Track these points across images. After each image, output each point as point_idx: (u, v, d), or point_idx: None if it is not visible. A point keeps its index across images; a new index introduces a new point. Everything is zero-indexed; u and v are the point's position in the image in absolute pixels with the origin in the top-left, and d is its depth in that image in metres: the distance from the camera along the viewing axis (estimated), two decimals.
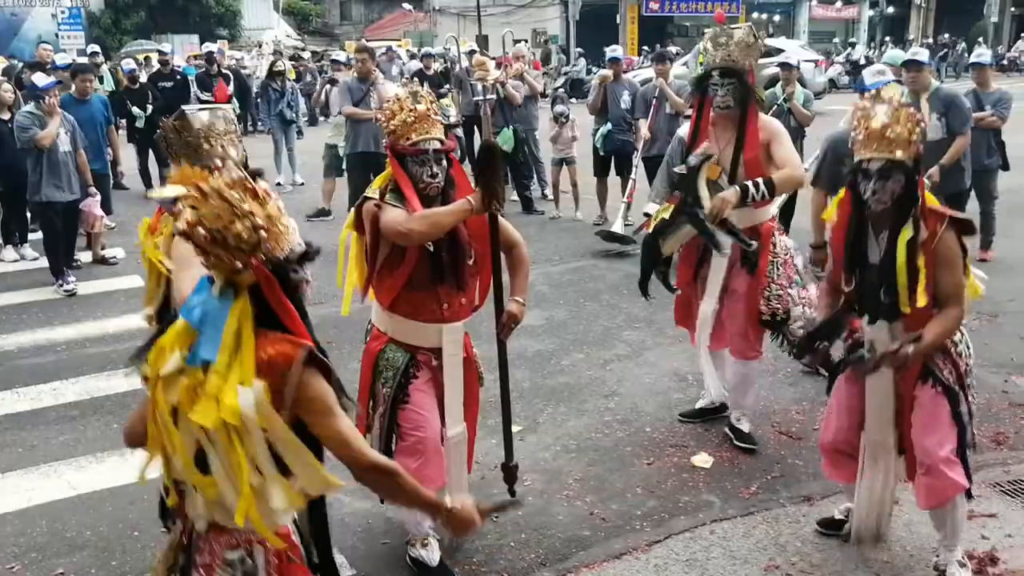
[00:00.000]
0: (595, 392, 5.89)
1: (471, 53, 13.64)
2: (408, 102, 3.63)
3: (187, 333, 2.31)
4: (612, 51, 10.92)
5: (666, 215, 4.76)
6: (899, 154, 3.33)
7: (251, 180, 2.29)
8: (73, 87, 9.62)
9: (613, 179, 10.70)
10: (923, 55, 7.45)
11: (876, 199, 3.39)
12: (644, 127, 9.80)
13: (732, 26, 4.89)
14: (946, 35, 37.72)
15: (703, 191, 4.55)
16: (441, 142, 3.67)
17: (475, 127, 12.44)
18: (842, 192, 3.67)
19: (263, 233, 2.26)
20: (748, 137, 4.65)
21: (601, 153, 10.70)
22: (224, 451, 2.27)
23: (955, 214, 3.51)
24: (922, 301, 3.40)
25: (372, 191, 3.74)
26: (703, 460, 4.88)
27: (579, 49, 31.44)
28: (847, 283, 3.59)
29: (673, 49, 18.62)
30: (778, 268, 4.83)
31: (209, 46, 16.34)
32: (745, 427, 5.02)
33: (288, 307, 2.33)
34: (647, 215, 5.22)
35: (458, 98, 13.56)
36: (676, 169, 4.61)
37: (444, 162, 3.68)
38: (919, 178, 3.43)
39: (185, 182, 2.34)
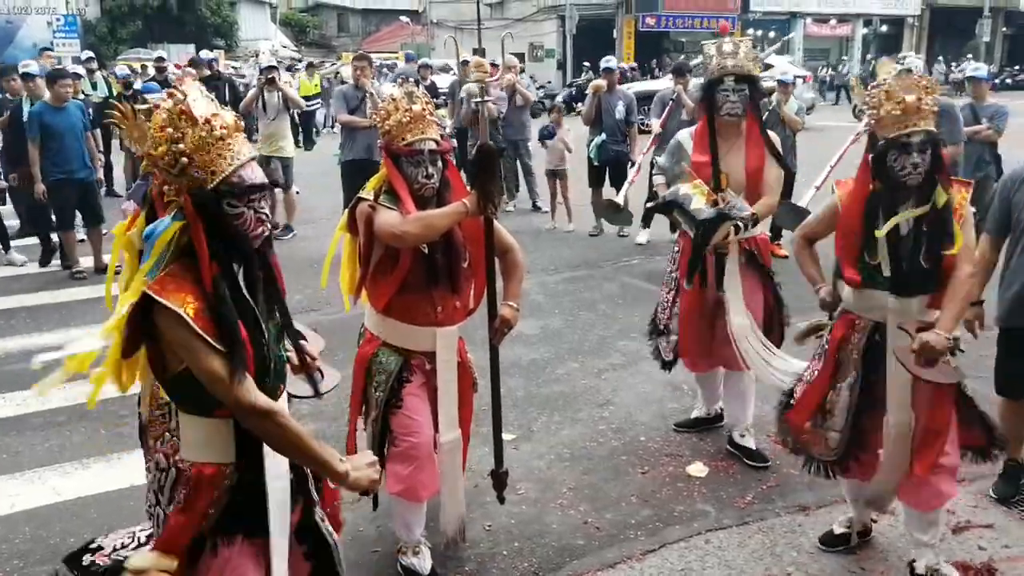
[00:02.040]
0: (590, 401, 5.84)
1: (465, 63, 13.76)
2: (403, 102, 3.58)
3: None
4: (606, 61, 10.98)
5: (694, 195, 4.60)
6: (933, 125, 3.42)
7: (191, 102, 2.37)
8: (48, 94, 9.17)
9: (608, 190, 10.67)
10: (918, 63, 7.47)
11: (918, 172, 3.42)
12: (656, 124, 9.92)
13: (736, 38, 4.86)
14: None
15: (718, 238, 4.57)
16: (436, 143, 3.61)
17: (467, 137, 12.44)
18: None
19: (186, 160, 2.34)
20: (754, 147, 4.67)
21: (595, 163, 10.69)
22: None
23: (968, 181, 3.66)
24: (967, 267, 3.45)
25: (366, 192, 3.68)
26: (698, 470, 4.83)
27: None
28: (871, 256, 3.54)
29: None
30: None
31: (206, 54, 16.29)
32: (751, 443, 4.93)
33: (196, 238, 2.37)
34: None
35: (452, 110, 13.61)
36: (726, 206, 4.54)
37: (439, 163, 3.63)
38: (940, 147, 3.48)
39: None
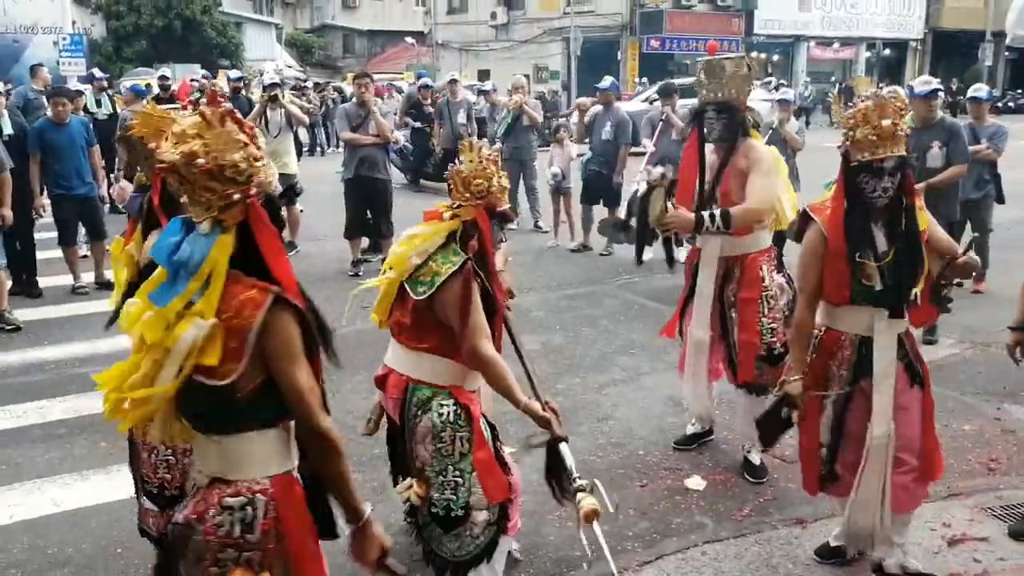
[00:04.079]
0: (590, 416, 5.85)
1: (452, 82, 14.07)
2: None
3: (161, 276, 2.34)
4: (603, 82, 11.11)
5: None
6: (904, 149, 3.48)
7: (238, 114, 2.33)
8: (50, 111, 9.12)
9: (600, 210, 10.76)
10: (935, 83, 7.50)
11: (887, 195, 3.50)
12: (649, 144, 10.00)
13: (723, 56, 4.87)
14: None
15: (654, 211, 4.63)
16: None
17: (456, 160, 12.53)
18: (826, 195, 3.76)
19: (259, 164, 2.30)
20: (727, 171, 4.73)
21: (583, 181, 10.94)
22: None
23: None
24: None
25: (452, 252, 3.54)
26: (696, 483, 4.84)
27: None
28: (866, 279, 3.57)
29: (676, 82, 18.72)
30: (768, 302, 4.79)
31: (235, 73, 16.31)
32: (756, 459, 4.94)
33: (277, 243, 2.34)
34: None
35: (439, 130, 13.81)
36: (633, 187, 4.67)
37: None
38: (911, 168, 3.59)
39: (153, 123, 2.36)
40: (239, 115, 2.33)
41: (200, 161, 2.22)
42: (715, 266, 4.82)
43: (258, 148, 2.33)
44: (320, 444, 2.38)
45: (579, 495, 3.36)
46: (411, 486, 3.60)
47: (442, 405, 3.55)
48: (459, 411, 3.57)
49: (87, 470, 5.11)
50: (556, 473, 3.61)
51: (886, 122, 3.43)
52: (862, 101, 3.52)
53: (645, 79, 31.46)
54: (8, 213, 7.86)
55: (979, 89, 9.01)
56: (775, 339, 4.74)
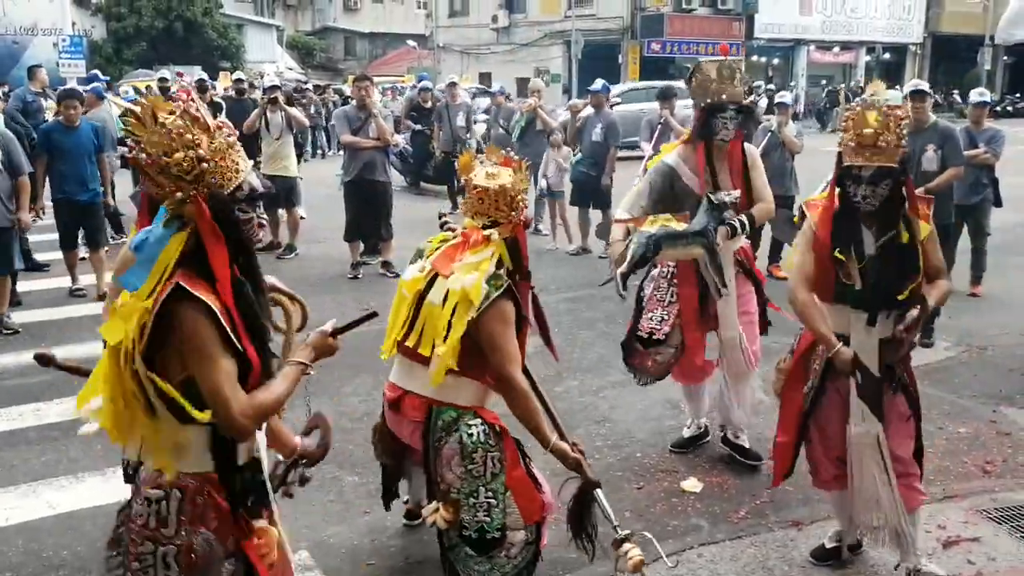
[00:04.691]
0: (587, 418, 5.84)
1: (452, 85, 14.09)
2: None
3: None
4: (594, 84, 11.20)
5: (670, 225, 4.61)
6: (889, 161, 3.43)
7: (201, 110, 2.34)
8: (59, 114, 8.99)
9: (593, 213, 10.81)
10: (923, 85, 7.52)
11: (867, 203, 3.50)
12: (648, 148, 10.01)
13: (711, 59, 4.93)
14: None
15: (721, 234, 4.64)
16: None
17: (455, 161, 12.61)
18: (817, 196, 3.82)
19: (205, 165, 2.30)
20: (736, 165, 4.83)
21: (572, 183, 11.03)
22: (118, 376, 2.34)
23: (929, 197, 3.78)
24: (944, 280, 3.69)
25: (497, 276, 3.54)
26: (693, 485, 4.85)
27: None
28: (846, 277, 3.59)
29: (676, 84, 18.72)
30: None
31: (236, 76, 16.27)
32: (746, 442, 5.05)
33: (215, 244, 2.33)
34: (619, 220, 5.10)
35: (439, 133, 13.80)
36: (712, 196, 4.59)
37: None
38: (906, 179, 3.55)
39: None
40: (198, 113, 2.33)
41: (142, 156, 2.27)
42: (732, 266, 4.89)
43: (214, 150, 2.32)
44: (253, 426, 2.42)
45: (625, 545, 3.37)
46: (437, 510, 3.54)
47: (470, 426, 3.50)
48: (488, 431, 3.52)
49: (82, 472, 5.09)
50: (590, 522, 3.61)
51: (867, 130, 3.42)
52: (858, 105, 3.51)
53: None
54: (26, 217, 7.82)
55: (983, 94, 9.03)
56: None
